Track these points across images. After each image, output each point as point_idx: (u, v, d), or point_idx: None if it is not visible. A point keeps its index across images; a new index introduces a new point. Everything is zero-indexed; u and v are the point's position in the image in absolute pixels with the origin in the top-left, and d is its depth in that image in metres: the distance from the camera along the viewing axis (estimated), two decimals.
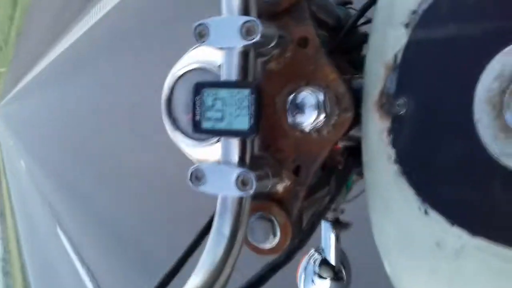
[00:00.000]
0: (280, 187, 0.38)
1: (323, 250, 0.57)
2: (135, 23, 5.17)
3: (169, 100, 0.40)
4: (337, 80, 0.35)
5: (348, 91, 0.35)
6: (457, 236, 0.27)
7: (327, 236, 0.56)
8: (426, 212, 0.29)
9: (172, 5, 4.09)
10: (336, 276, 0.55)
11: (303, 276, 0.56)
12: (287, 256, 0.35)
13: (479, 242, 0.27)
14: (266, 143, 0.38)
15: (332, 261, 0.56)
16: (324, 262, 0.56)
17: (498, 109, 0.25)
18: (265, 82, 0.38)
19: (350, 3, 0.55)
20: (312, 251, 0.57)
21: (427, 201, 0.29)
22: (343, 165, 0.43)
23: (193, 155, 0.41)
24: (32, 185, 13.37)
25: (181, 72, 0.40)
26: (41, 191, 11.49)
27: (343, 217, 0.57)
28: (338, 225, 0.56)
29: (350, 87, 0.36)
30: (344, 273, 0.56)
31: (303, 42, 0.37)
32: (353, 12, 0.54)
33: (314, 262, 0.56)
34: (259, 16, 0.36)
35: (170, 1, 4.23)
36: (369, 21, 0.43)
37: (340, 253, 0.57)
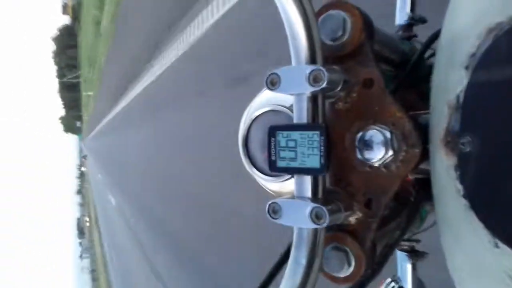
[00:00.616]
0: (352, 219, 0.40)
1: (399, 279, 0.57)
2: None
3: (246, 140, 0.44)
4: (403, 118, 0.37)
5: (414, 129, 0.36)
6: None
7: (403, 265, 0.57)
8: (496, 245, 0.29)
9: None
10: None
11: None
12: (360, 285, 0.36)
13: None
14: (338, 178, 0.40)
15: None
16: None
17: None
18: (335, 121, 0.40)
19: (415, 36, 0.56)
20: (389, 280, 0.57)
21: (497, 235, 0.30)
22: (414, 197, 0.44)
23: (270, 188, 0.45)
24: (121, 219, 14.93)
25: (256, 114, 0.44)
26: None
27: (419, 247, 0.57)
28: (414, 254, 0.56)
29: (417, 123, 0.37)
30: None
31: (368, 83, 0.39)
32: (418, 44, 0.55)
33: None
34: (326, 61, 0.39)
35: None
36: (434, 54, 0.44)
37: (417, 282, 0.57)
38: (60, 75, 77.94)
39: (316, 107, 0.37)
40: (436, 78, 0.37)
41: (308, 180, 0.37)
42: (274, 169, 0.38)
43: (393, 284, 0.57)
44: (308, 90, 0.36)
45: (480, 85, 0.31)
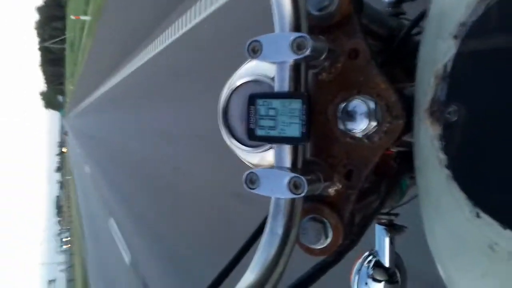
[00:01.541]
0: (332, 191, 0.40)
1: (377, 253, 0.57)
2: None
3: (226, 110, 0.43)
4: (388, 89, 0.37)
5: (398, 100, 0.36)
6: (510, 239, 0.28)
7: (381, 239, 0.57)
8: (478, 215, 0.29)
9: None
10: (391, 279, 0.56)
11: (357, 278, 0.57)
12: (336, 256, 0.36)
13: None
14: (319, 149, 0.40)
15: (387, 264, 0.56)
16: (378, 265, 0.56)
17: None
18: (317, 91, 0.39)
19: (403, 13, 0.55)
20: (367, 253, 0.58)
21: (479, 205, 0.29)
22: (395, 169, 0.44)
23: (249, 160, 0.44)
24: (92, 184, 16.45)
25: (236, 84, 0.43)
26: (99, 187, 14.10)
27: (398, 221, 0.58)
28: (392, 228, 0.57)
29: (401, 95, 0.37)
30: (399, 276, 0.56)
31: (354, 54, 0.38)
32: (406, 22, 0.54)
33: (368, 265, 0.57)
34: (311, 30, 0.38)
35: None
36: (422, 31, 0.44)
37: (395, 256, 0.57)
38: (43, 47, 75.06)
39: (298, 76, 0.36)
40: (424, 48, 0.37)
41: (287, 149, 0.37)
42: (253, 138, 0.38)
43: (370, 257, 0.57)
44: (291, 57, 0.35)
45: (468, 54, 0.31)
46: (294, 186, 0.35)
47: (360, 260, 0.58)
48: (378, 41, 0.49)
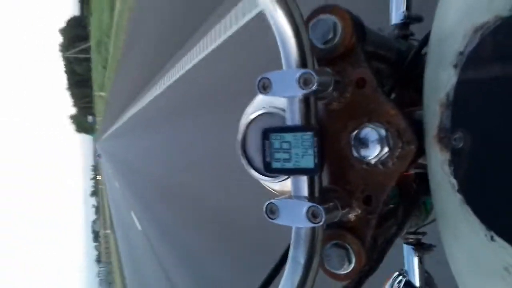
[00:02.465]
0: (352, 217, 0.40)
1: (407, 272, 0.57)
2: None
3: (244, 142, 0.45)
4: (398, 116, 0.37)
5: (408, 126, 0.37)
6: None
7: (409, 259, 0.57)
8: (492, 239, 0.30)
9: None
10: None
11: None
12: (357, 282, 0.37)
13: None
14: (336, 176, 0.41)
15: (417, 283, 0.56)
16: (409, 284, 0.56)
17: None
18: (329, 121, 0.41)
19: (412, 34, 0.56)
20: (396, 274, 0.58)
21: (492, 228, 0.30)
22: (413, 191, 0.44)
23: (272, 187, 0.46)
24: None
25: (252, 117, 0.44)
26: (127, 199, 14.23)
27: (425, 240, 0.57)
28: (420, 247, 0.56)
29: (412, 120, 0.38)
30: None
31: (361, 83, 0.39)
32: (415, 43, 0.55)
33: (399, 285, 0.57)
34: (319, 63, 0.39)
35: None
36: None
37: (425, 275, 0.57)
38: (70, 69, 74.95)
39: (308, 109, 0.38)
40: (428, 77, 0.37)
41: (304, 180, 0.38)
42: (269, 171, 0.39)
43: (400, 277, 0.57)
44: (299, 93, 0.36)
45: (468, 83, 0.32)
46: (312, 215, 0.36)
47: (390, 281, 0.57)
48: (388, 65, 0.50)
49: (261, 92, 0.38)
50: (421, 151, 0.38)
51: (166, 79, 9.67)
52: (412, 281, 0.56)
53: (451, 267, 0.36)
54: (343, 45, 0.39)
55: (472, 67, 0.31)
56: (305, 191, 0.38)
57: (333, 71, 0.39)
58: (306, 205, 0.36)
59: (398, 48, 0.50)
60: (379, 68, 0.48)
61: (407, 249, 0.57)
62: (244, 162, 0.45)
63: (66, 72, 79.51)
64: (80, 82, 75.18)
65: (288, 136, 0.38)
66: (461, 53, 0.32)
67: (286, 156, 0.38)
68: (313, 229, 0.37)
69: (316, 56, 0.39)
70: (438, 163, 0.34)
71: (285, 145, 0.38)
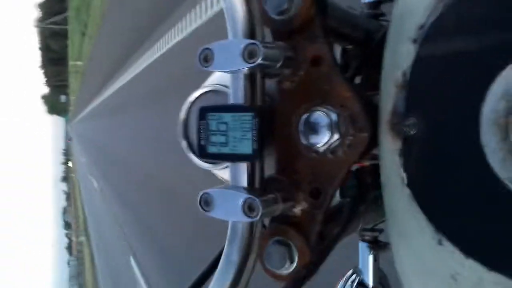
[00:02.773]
0: (298, 211, 0.36)
1: (361, 271, 0.54)
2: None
3: (186, 124, 0.40)
4: (352, 98, 0.33)
5: (362, 110, 0.33)
6: (473, 269, 0.24)
7: (364, 257, 0.53)
8: (440, 243, 0.26)
9: None
10: None
11: None
12: (297, 282, 0.33)
13: (497, 277, 0.23)
14: (283, 165, 0.37)
15: (370, 282, 0.53)
16: (362, 284, 0.53)
17: (505, 131, 0.22)
18: (280, 102, 0.36)
19: (383, 15, 0.52)
20: (350, 272, 0.55)
21: (441, 230, 0.26)
22: (364, 185, 0.40)
23: (219, 175, 0.41)
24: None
25: (196, 94, 0.40)
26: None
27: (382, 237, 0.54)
28: (376, 245, 0.53)
29: (369, 104, 0.34)
30: None
31: (317, 61, 0.35)
32: (386, 24, 0.51)
33: (352, 284, 0.54)
34: (274, 35, 0.35)
35: None
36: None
37: (379, 274, 0.54)
38: (45, 46, 72.25)
39: (253, 86, 0.33)
40: (385, 55, 0.33)
41: (244, 167, 0.34)
42: (204, 155, 0.35)
43: (354, 276, 0.54)
44: (243, 66, 0.32)
45: (427, 61, 0.28)
46: (248, 208, 0.32)
47: (343, 280, 0.54)
48: (355, 45, 0.46)
49: (202, 65, 0.33)
50: (376, 140, 0.34)
51: (150, 53, 9.18)
52: (366, 280, 0.53)
53: (397, 268, 0.33)
54: (300, 17, 0.35)
55: (432, 42, 0.27)
56: (244, 181, 0.33)
57: (288, 46, 0.34)
58: (242, 196, 0.32)
59: (367, 28, 0.46)
60: (345, 48, 0.44)
61: (362, 246, 0.54)
62: (184, 145, 0.41)
63: (41, 48, 76.45)
64: (55, 60, 72.39)
65: (226, 116, 0.33)
66: (421, 27, 0.28)
67: (222, 139, 0.33)
68: (251, 224, 0.33)
69: (271, 28, 0.35)
70: (389, 153, 0.30)
71: (222, 127, 0.33)
